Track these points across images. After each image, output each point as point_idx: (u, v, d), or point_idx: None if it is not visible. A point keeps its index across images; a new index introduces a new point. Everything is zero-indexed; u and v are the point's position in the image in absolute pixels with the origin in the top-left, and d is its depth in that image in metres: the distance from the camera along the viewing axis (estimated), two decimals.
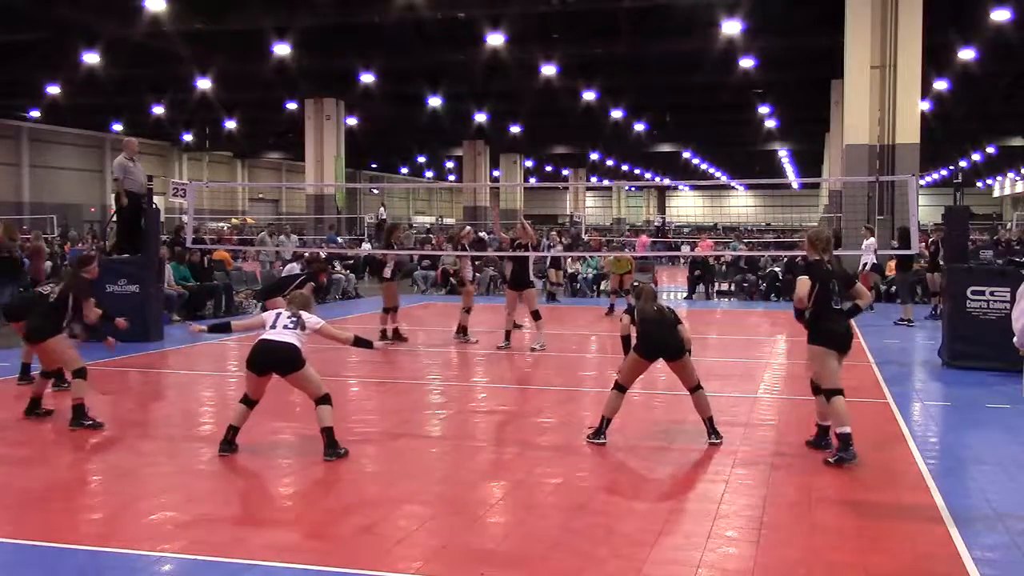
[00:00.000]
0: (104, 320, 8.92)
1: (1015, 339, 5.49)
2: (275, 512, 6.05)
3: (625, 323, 7.80)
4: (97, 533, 5.53)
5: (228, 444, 7.25)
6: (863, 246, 18.68)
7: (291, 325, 7.17)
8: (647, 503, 6.13)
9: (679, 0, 23.24)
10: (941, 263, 14.52)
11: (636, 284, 7.72)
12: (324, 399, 7.14)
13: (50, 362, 8.51)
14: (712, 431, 7.62)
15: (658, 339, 7.52)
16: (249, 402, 7.29)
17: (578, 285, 23.13)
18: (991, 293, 11.10)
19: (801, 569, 5.00)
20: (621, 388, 7.66)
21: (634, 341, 7.66)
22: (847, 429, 6.88)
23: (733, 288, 22.81)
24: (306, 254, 20.33)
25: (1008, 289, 10.52)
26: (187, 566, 4.98)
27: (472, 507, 6.09)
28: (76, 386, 8.07)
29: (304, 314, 7.30)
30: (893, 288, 19.47)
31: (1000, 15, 21.41)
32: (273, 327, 7.21)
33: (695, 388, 7.66)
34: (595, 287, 23.02)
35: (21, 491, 6.29)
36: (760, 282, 21.98)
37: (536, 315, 13.08)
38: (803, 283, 7.22)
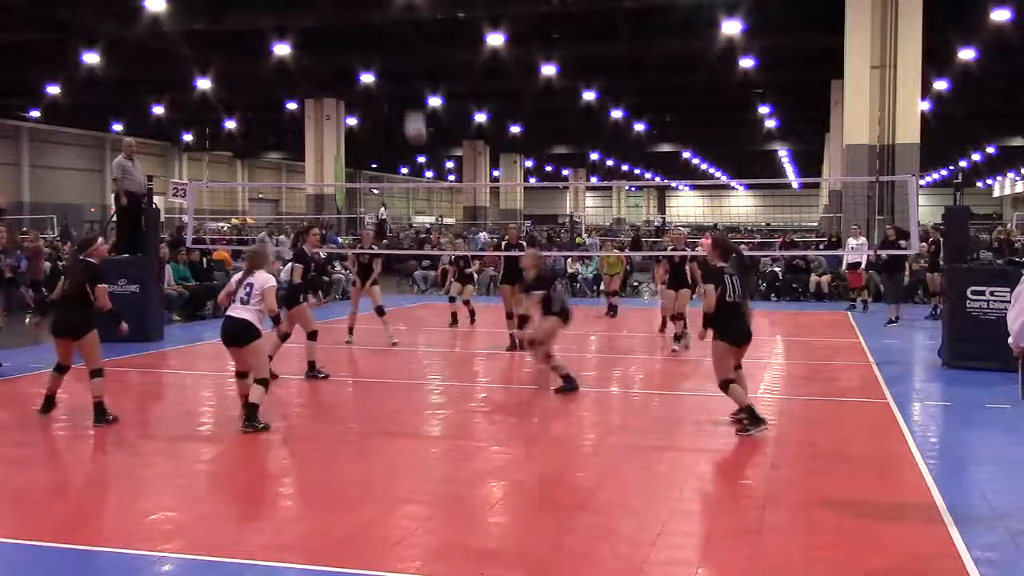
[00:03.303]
0: (109, 316, 8.45)
1: (1010, 339, 5.48)
2: (275, 512, 6.05)
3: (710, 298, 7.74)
4: (97, 533, 5.52)
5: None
6: (850, 246, 18.70)
7: (246, 298, 7.97)
8: (647, 503, 6.13)
9: (679, 0, 23.24)
10: (941, 263, 14.52)
11: (724, 266, 7.80)
12: (261, 381, 7.88)
13: (94, 358, 8.23)
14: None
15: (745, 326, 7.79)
16: (241, 374, 8.12)
17: (578, 285, 23.15)
18: (991, 293, 11.10)
19: (801, 569, 5.00)
20: (728, 383, 7.69)
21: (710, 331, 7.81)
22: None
23: None
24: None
25: (1008, 289, 10.50)
26: (187, 566, 4.97)
27: (472, 507, 6.09)
28: (96, 385, 8.10)
29: (258, 277, 8.00)
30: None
31: (1000, 15, 21.41)
32: (234, 301, 8.03)
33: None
34: (595, 287, 23.02)
35: (21, 491, 6.29)
36: (760, 282, 21.97)
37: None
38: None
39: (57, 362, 8.29)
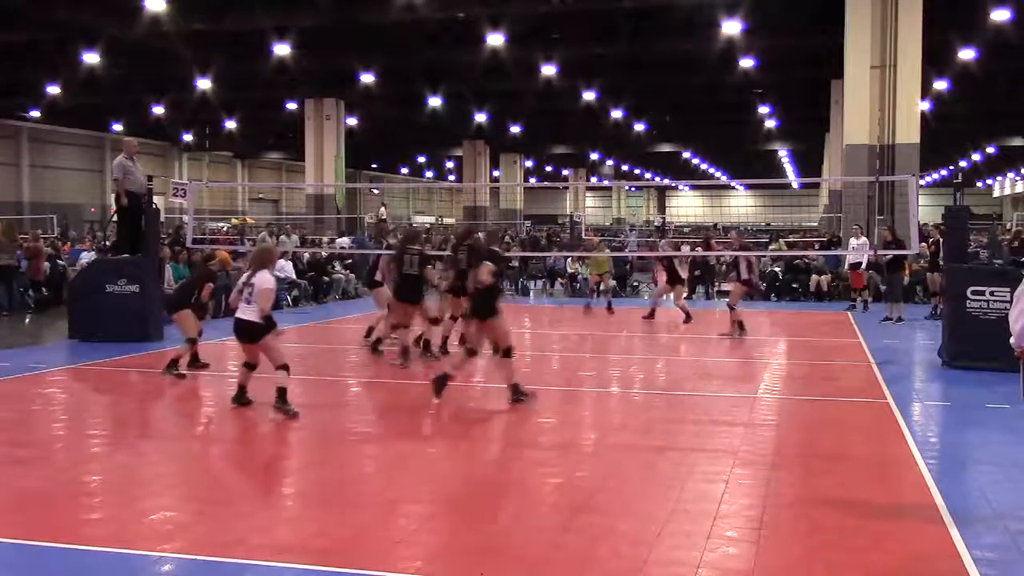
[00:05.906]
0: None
1: (1012, 340, 5.48)
2: (275, 512, 6.05)
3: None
4: (97, 533, 5.51)
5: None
6: (851, 246, 18.73)
7: (248, 299, 8.50)
8: (647, 503, 6.13)
9: (679, 0, 23.24)
10: (941, 263, 14.53)
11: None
12: (282, 367, 8.51)
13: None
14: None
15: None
16: (248, 365, 8.80)
17: (578, 285, 23.14)
18: (991, 293, 11.10)
19: (801, 569, 5.00)
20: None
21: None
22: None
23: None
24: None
25: (1008, 289, 10.50)
26: (187, 566, 4.97)
27: (472, 507, 6.09)
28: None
29: (258, 278, 8.47)
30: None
31: (1000, 15, 21.41)
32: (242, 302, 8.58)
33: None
34: (596, 287, 22.99)
35: (21, 491, 6.29)
36: (760, 282, 21.96)
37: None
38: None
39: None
